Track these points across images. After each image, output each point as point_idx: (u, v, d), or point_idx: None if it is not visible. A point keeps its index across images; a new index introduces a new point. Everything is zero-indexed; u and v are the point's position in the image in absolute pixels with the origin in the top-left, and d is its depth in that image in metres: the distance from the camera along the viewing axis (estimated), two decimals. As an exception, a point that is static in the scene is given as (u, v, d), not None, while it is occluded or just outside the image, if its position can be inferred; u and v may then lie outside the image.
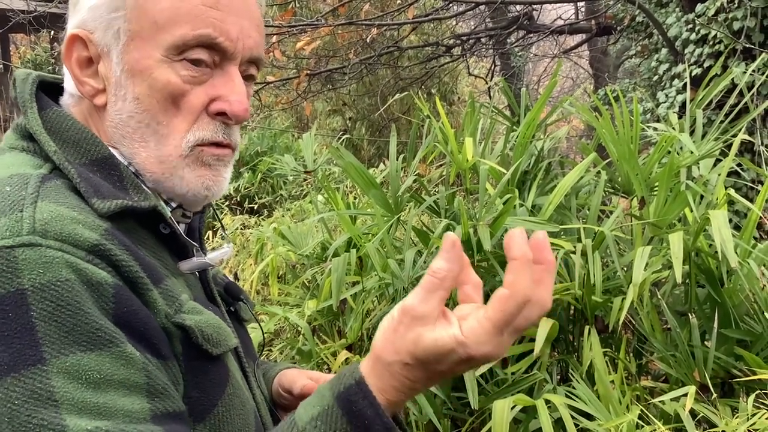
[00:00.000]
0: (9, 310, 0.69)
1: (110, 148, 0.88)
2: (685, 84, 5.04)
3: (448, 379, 0.79)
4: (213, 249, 1.01)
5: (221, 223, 1.13)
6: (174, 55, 0.85)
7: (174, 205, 0.92)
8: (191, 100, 0.87)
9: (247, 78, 0.92)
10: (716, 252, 2.27)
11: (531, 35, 7.83)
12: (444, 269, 0.75)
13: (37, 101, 0.87)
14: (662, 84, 5.58)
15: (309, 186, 6.34)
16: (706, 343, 2.40)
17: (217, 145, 0.90)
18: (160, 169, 0.87)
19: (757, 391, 2.09)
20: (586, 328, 2.40)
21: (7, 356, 0.69)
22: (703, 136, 2.94)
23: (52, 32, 12.47)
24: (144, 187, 0.87)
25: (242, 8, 0.88)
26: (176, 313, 0.82)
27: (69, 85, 0.91)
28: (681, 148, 2.90)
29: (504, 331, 0.74)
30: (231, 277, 4.97)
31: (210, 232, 5.57)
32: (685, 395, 2.07)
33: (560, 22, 8.26)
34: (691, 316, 2.39)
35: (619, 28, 7.13)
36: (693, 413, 2.07)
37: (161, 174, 0.88)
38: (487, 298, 2.44)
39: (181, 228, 0.93)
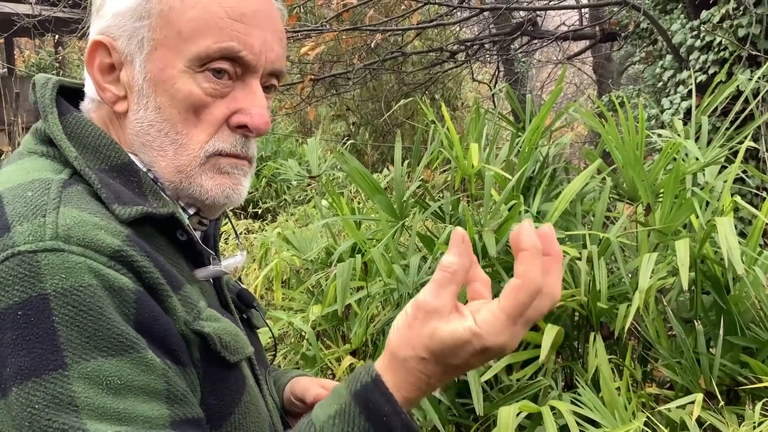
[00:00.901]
0: (31, 314, 0.70)
1: (129, 154, 0.88)
2: (690, 90, 5.04)
3: (462, 373, 0.79)
4: (224, 256, 1.01)
5: (236, 232, 1.13)
6: (197, 66, 0.85)
7: (191, 212, 0.92)
8: (213, 112, 0.87)
9: (267, 89, 0.93)
10: (722, 259, 2.26)
11: (535, 41, 7.84)
12: (455, 263, 0.76)
13: (57, 106, 0.87)
14: (667, 90, 5.57)
15: (313, 191, 6.35)
16: (711, 350, 2.39)
17: (235, 156, 0.90)
18: (178, 177, 0.88)
19: (764, 399, 2.08)
20: (592, 334, 2.40)
21: (29, 361, 0.69)
22: (709, 142, 2.94)
23: (57, 36, 12.51)
24: (162, 194, 0.87)
25: (266, 21, 0.89)
26: (195, 320, 0.82)
27: (90, 90, 0.91)
28: (686, 154, 2.89)
29: (517, 321, 0.75)
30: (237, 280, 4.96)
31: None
32: (691, 402, 2.07)
33: (564, 29, 8.25)
34: (696, 323, 2.39)
35: (623, 34, 7.13)
36: (699, 421, 2.07)
37: (179, 182, 0.88)
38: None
39: (197, 235, 0.93)
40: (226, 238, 5.41)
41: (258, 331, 1.12)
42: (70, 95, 0.93)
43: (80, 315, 0.71)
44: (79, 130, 0.86)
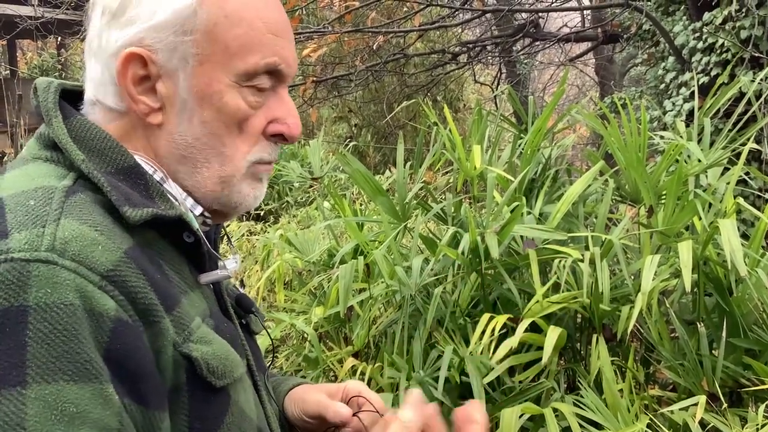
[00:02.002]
0: (7, 325, 0.68)
1: (135, 156, 0.87)
2: (692, 92, 5.03)
3: None
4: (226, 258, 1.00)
5: (228, 236, 1.13)
6: (243, 81, 0.87)
7: (197, 212, 0.92)
8: (254, 124, 0.90)
9: None
10: (725, 261, 2.26)
11: (537, 43, 7.84)
12: (412, 420, 0.87)
13: (60, 110, 0.86)
14: (669, 92, 5.57)
15: (315, 192, 6.35)
16: (714, 352, 2.39)
17: (269, 163, 0.93)
18: (220, 187, 0.89)
19: (767, 401, 2.08)
20: (594, 336, 2.40)
21: None
22: (711, 144, 2.94)
23: (59, 38, 12.53)
24: (168, 196, 0.87)
25: (291, 33, 0.93)
26: (184, 342, 0.81)
27: (108, 99, 0.89)
28: (689, 156, 2.89)
29: None
30: (237, 284, 4.96)
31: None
32: (694, 404, 2.07)
33: (566, 30, 8.26)
34: (699, 325, 2.38)
35: (625, 36, 7.13)
36: (702, 423, 2.06)
37: (221, 191, 0.90)
38: (494, 306, 2.43)
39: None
40: (230, 245, 5.41)
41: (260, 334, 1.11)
42: (71, 98, 0.92)
43: (53, 333, 0.69)
44: (84, 134, 0.85)
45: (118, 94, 0.88)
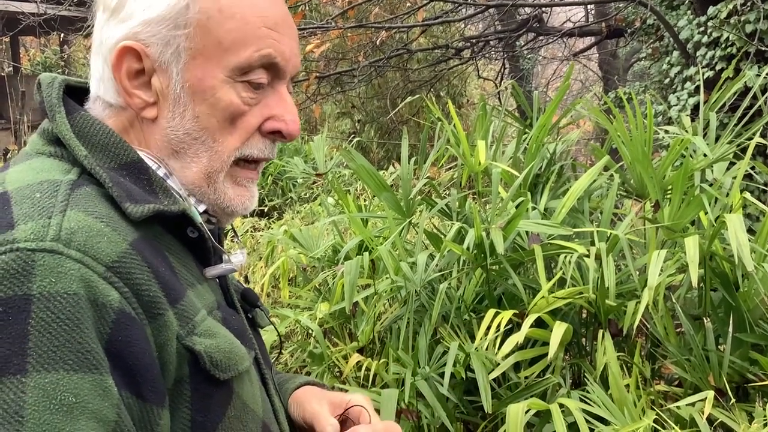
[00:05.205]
0: (11, 313, 0.69)
1: (138, 151, 0.87)
2: (697, 87, 5.02)
3: None
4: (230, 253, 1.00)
5: (234, 231, 1.13)
6: (237, 75, 0.86)
7: (201, 209, 0.92)
8: (248, 120, 0.89)
9: None
10: (731, 256, 2.25)
11: (540, 38, 7.83)
12: None
13: (64, 105, 0.86)
14: (674, 87, 5.56)
15: (319, 188, 6.35)
16: (720, 347, 2.39)
17: (256, 162, 0.93)
18: (206, 182, 0.89)
19: (774, 396, 2.07)
20: (600, 331, 2.39)
21: None
22: (717, 139, 2.93)
23: (62, 35, 12.53)
24: (172, 192, 0.87)
25: (291, 29, 0.92)
26: (188, 335, 0.81)
27: (107, 95, 0.90)
28: (694, 151, 2.88)
29: None
30: (241, 280, 4.97)
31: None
32: (701, 400, 2.06)
33: (570, 25, 8.23)
34: (705, 320, 2.38)
35: (629, 30, 7.11)
36: (709, 419, 2.06)
37: (207, 187, 0.90)
38: (499, 302, 2.43)
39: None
40: (236, 241, 5.40)
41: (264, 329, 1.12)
42: (75, 94, 0.92)
43: (56, 322, 0.69)
44: (87, 129, 0.85)
45: (116, 89, 0.88)
